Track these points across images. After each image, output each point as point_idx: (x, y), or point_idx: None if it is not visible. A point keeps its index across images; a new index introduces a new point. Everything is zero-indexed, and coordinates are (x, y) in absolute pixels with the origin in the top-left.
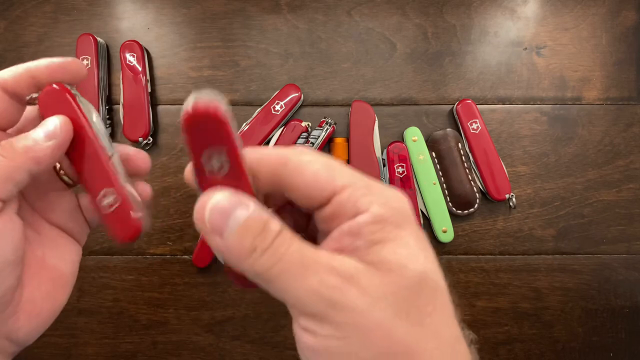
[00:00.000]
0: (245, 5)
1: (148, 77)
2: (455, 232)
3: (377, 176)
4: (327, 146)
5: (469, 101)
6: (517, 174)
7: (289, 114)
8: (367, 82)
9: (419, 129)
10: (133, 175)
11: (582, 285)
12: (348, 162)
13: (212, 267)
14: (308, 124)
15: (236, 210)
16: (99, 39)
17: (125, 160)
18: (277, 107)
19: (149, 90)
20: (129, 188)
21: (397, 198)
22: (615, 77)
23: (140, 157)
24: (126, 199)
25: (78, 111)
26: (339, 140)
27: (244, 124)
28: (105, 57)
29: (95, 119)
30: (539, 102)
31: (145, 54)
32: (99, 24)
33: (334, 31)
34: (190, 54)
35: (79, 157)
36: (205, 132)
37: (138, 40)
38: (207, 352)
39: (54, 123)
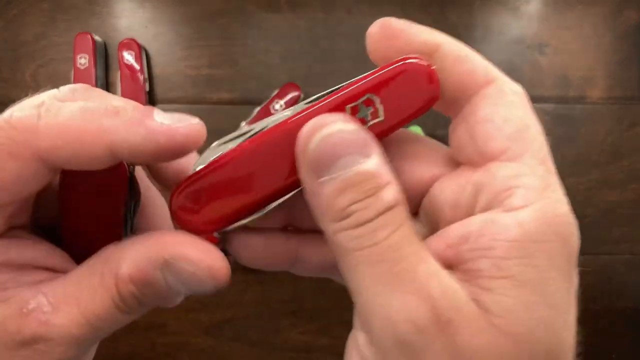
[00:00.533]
0: (244, 3)
1: (146, 76)
2: None
3: None
4: None
5: None
6: None
7: None
8: None
9: (420, 128)
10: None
11: (585, 286)
12: None
13: None
14: None
15: (354, 155)
16: (96, 37)
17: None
18: (277, 107)
19: (147, 89)
20: None
21: (563, 213)
22: (618, 76)
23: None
24: None
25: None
26: None
27: (243, 123)
28: (103, 56)
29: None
30: (541, 102)
31: (143, 53)
32: (97, 23)
33: (334, 29)
34: (189, 53)
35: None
36: None
37: (136, 39)
38: (207, 354)
39: (209, 285)
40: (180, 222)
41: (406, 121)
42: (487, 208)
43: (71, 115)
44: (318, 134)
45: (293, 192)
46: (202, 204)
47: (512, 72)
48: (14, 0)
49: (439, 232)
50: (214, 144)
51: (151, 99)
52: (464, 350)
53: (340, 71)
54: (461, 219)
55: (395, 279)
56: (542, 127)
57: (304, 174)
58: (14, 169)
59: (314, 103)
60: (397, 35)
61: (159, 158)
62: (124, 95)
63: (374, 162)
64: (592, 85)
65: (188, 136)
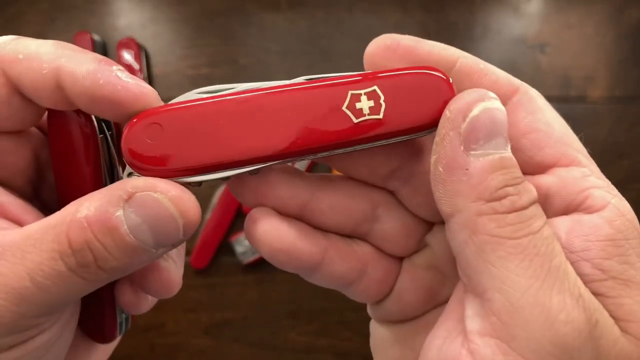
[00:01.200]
0: (244, 2)
1: (145, 75)
2: None
3: None
4: None
5: None
6: None
7: None
8: None
9: None
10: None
11: None
12: None
13: (211, 268)
14: None
15: (505, 139)
16: (95, 36)
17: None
18: None
19: None
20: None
21: (630, 209)
22: (619, 75)
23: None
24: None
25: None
26: None
27: None
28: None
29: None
30: None
31: (142, 52)
32: (96, 22)
33: (334, 28)
34: (188, 52)
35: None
36: None
37: (135, 38)
38: (206, 354)
39: (177, 223)
40: (131, 155)
41: (404, 132)
42: (565, 212)
43: (38, 45)
44: (483, 104)
45: (265, 165)
46: (161, 141)
47: (513, 71)
48: None
49: None
50: (193, 91)
51: None
52: (607, 355)
53: (340, 70)
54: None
55: (551, 276)
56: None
57: (453, 141)
58: None
59: (314, 79)
60: (407, 55)
61: (100, 102)
62: None
63: (510, 154)
64: (593, 85)
65: (129, 90)
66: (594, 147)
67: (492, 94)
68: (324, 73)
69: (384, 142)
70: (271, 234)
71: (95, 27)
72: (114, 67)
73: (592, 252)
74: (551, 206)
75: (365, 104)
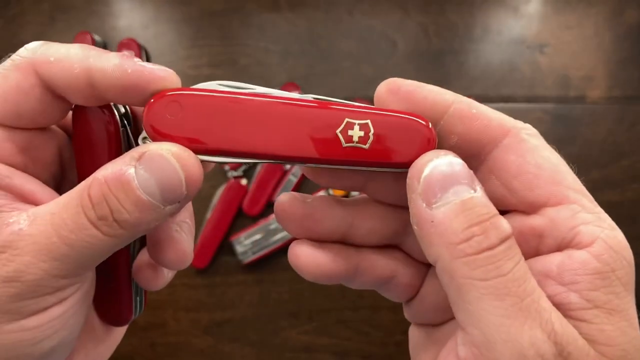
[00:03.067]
0: (244, 3)
1: None
2: None
3: None
4: None
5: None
6: None
7: None
8: (368, 80)
9: None
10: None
11: None
12: None
13: (211, 268)
14: None
15: (464, 185)
16: (96, 37)
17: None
18: None
19: None
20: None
21: (621, 238)
22: (618, 76)
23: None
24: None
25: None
26: None
27: None
28: None
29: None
30: (541, 102)
31: (143, 53)
32: (97, 22)
33: (334, 29)
34: (189, 52)
35: None
36: None
37: (136, 38)
38: (206, 354)
39: (179, 176)
40: (152, 129)
41: (384, 165)
42: (557, 249)
43: (67, 48)
44: (432, 163)
45: (263, 161)
46: (179, 119)
47: (513, 72)
48: (14, 0)
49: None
50: (214, 82)
51: None
52: None
53: (340, 71)
54: (537, 250)
55: (522, 313)
56: (561, 158)
57: (415, 201)
58: (15, 79)
59: (321, 100)
60: (406, 98)
61: (130, 89)
62: None
63: (481, 194)
64: (593, 85)
65: (154, 73)
66: (593, 147)
67: (442, 152)
68: (324, 73)
69: (364, 169)
70: (311, 264)
71: (96, 27)
72: (135, 59)
73: (580, 284)
74: (545, 245)
75: (356, 132)
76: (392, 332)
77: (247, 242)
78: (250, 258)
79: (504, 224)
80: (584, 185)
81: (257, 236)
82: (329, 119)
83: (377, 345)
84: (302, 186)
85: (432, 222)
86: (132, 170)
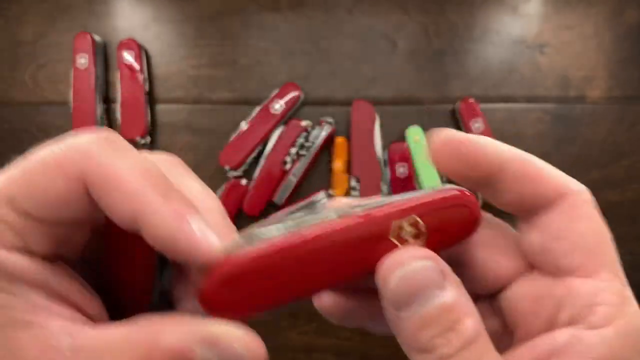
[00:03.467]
0: (244, 3)
1: (146, 76)
2: None
3: (378, 177)
4: (327, 147)
5: (471, 100)
6: None
7: (289, 113)
8: (368, 80)
9: (421, 128)
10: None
11: None
12: (349, 162)
13: None
14: (308, 124)
15: (432, 289)
16: (96, 37)
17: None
18: (277, 106)
19: (147, 89)
20: None
21: (638, 322)
22: (618, 76)
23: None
24: None
25: None
26: (340, 140)
27: (243, 122)
28: (103, 56)
29: None
30: (541, 102)
31: (143, 53)
32: (97, 22)
33: (334, 29)
34: (189, 52)
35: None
36: None
37: (136, 38)
38: None
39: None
40: (211, 305)
41: (446, 247)
42: (570, 323)
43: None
44: (396, 272)
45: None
46: (240, 289)
47: (513, 71)
48: (14, 0)
49: (525, 345)
50: (279, 213)
51: (151, 99)
52: None
53: (340, 71)
54: (542, 329)
55: None
56: (609, 233)
57: (386, 307)
58: (59, 183)
59: (363, 213)
60: (462, 151)
61: (172, 252)
62: (123, 95)
63: (451, 294)
64: (593, 85)
65: (199, 248)
66: (593, 147)
67: (407, 254)
68: (324, 73)
69: None
70: (329, 309)
71: (96, 27)
72: (196, 218)
73: None
74: (560, 315)
75: (408, 231)
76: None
77: None
78: None
79: (468, 328)
80: (584, 185)
81: None
82: (377, 230)
83: (377, 346)
84: (302, 186)
85: (401, 329)
86: (197, 351)
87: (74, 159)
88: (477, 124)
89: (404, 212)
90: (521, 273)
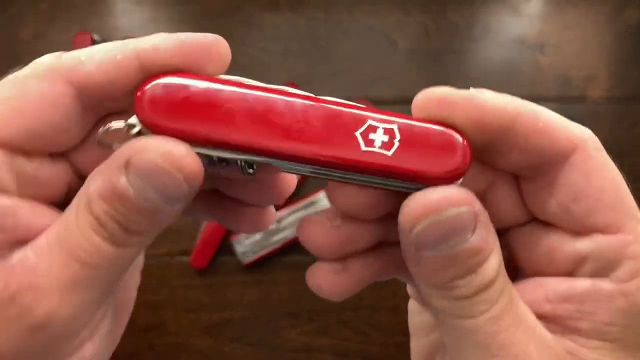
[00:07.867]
0: (244, 3)
1: None
2: None
3: None
4: None
5: None
6: None
7: None
8: (368, 80)
9: None
10: None
11: None
12: None
13: (211, 268)
14: None
15: (462, 234)
16: (95, 36)
17: None
18: None
19: None
20: None
21: None
22: (619, 75)
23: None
24: None
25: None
26: None
27: None
28: None
29: None
30: (542, 101)
31: None
32: (96, 22)
33: (334, 29)
34: None
35: None
36: None
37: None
38: (206, 354)
39: (176, 177)
40: (143, 106)
41: (410, 177)
42: (592, 275)
43: (93, 47)
44: (426, 221)
45: (264, 160)
46: (178, 104)
47: (513, 71)
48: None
49: (538, 280)
50: (234, 77)
51: None
52: None
53: (341, 71)
54: (558, 274)
55: (494, 349)
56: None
57: (406, 245)
58: (37, 89)
59: (340, 101)
60: (460, 107)
61: (193, 51)
62: None
63: (479, 237)
64: (593, 84)
65: (207, 35)
66: None
67: (445, 201)
68: (324, 73)
69: (381, 182)
70: (328, 287)
71: (96, 27)
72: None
73: (598, 316)
74: (583, 269)
75: (379, 137)
76: (392, 333)
77: (247, 242)
78: (250, 258)
79: (489, 270)
80: None
81: (257, 236)
82: (349, 119)
83: (377, 346)
84: (302, 186)
85: (420, 266)
86: (123, 180)
87: (46, 64)
88: None
89: (386, 120)
90: (534, 219)
